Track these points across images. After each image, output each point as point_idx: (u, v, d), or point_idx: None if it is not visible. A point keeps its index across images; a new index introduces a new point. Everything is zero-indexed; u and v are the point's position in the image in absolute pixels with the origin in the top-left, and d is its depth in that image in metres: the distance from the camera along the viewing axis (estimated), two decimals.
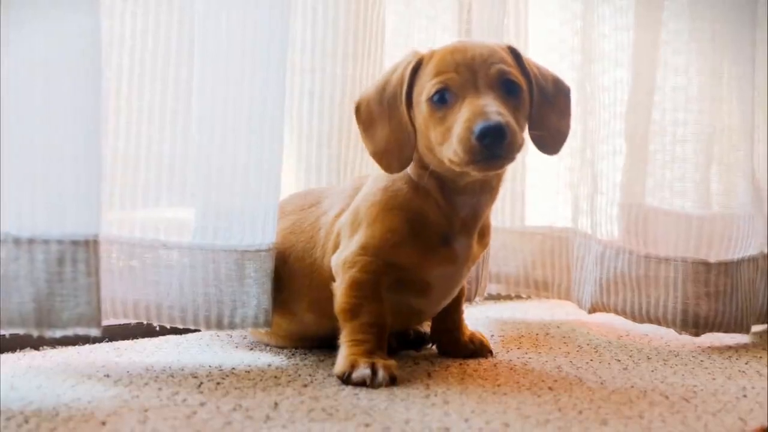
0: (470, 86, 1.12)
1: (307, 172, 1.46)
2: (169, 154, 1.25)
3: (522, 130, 1.14)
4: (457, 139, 1.08)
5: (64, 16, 1.05)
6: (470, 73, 1.12)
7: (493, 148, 1.06)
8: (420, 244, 1.18)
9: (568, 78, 1.64)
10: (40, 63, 1.04)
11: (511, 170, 1.70)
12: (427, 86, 1.14)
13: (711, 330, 1.48)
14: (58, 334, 1.05)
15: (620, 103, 1.56)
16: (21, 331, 1.05)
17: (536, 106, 1.18)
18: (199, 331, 1.38)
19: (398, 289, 1.20)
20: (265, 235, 1.24)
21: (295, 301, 1.26)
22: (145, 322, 1.25)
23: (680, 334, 1.50)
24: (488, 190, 1.20)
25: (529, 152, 1.73)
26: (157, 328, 1.31)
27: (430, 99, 1.13)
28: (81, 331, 1.06)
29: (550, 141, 1.21)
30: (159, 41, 1.25)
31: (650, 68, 1.55)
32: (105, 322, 1.33)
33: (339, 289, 1.19)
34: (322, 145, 1.47)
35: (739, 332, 1.51)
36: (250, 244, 1.23)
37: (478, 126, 1.06)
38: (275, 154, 1.24)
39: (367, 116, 1.20)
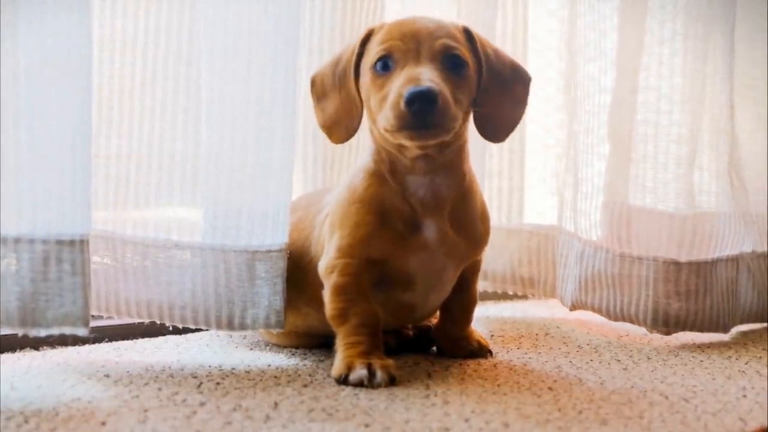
0: (412, 56, 1.13)
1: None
2: (181, 152, 1.25)
3: (462, 107, 1.14)
4: (390, 105, 1.09)
5: (52, 15, 1.04)
6: (415, 43, 1.13)
7: (422, 114, 1.07)
8: (389, 233, 1.18)
9: (564, 77, 1.66)
10: (26, 61, 1.04)
11: (506, 168, 1.72)
12: (371, 54, 1.15)
13: (683, 329, 1.49)
14: (43, 333, 1.05)
15: (605, 104, 1.56)
16: (6, 330, 1.06)
17: (486, 88, 1.18)
18: (200, 330, 1.38)
19: (383, 286, 1.20)
20: (275, 235, 1.23)
21: (298, 295, 1.26)
22: (146, 321, 1.26)
23: (651, 332, 1.51)
24: (442, 169, 1.19)
25: (528, 152, 1.75)
26: (158, 326, 1.31)
27: (373, 66, 1.14)
28: (67, 330, 1.06)
29: (498, 127, 1.22)
30: (171, 40, 1.26)
31: (634, 68, 1.55)
32: (107, 322, 1.35)
33: (326, 295, 1.19)
34: (308, 143, 1.48)
35: (715, 332, 1.51)
36: (260, 244, 1.23)
37: (407, 91, 1.07)
38: (287, 153, 1.24)
39: (320, 89, 1.23)
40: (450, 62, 1.14)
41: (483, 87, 1.19)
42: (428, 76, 1.09)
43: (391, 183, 1.19)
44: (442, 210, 1.19)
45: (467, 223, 1.23)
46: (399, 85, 1.10)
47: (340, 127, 1.21)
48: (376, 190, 1.19)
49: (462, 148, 1.21)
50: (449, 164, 1.19)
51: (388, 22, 1.18)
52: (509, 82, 1.22)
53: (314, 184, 1.50)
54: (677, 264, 1.48)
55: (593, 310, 1.55)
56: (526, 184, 1.75)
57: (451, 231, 1.20)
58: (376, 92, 1.14)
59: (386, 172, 1.19)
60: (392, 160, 1.19)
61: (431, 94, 1.07)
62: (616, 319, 1.53)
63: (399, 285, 1.21)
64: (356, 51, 1.19)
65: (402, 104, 1.07)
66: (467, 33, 1.19)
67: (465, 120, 1.19)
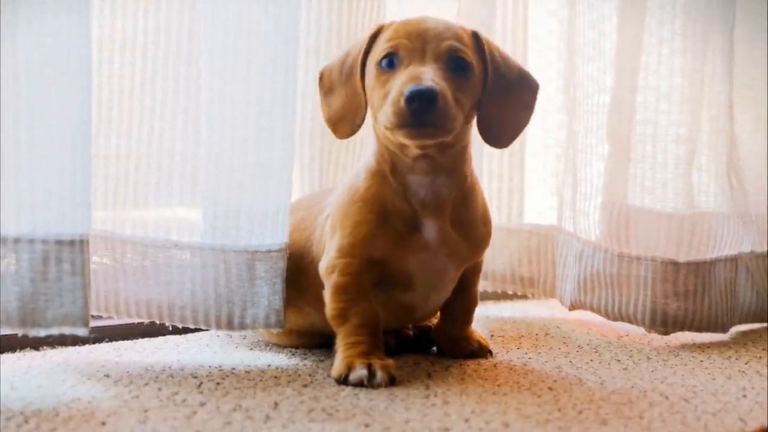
0: (417, 55, 1.13)
1: None
2: (181, 152, 1.25)
3: (464, 109, 1.14)
4: (390, 101, 1.10)
5: (52, 15, 1.04)
6: (421, 42, 1.13)
7: (421, 113, 1.07)
8: (389, 233, 1.18)
9: (563, 77, 1.66)
10: (26, 61, 1.04)
11: (506, 168, 1.72)
12: (377, 50, 1.16)
13: (681, 329, 1.49)
14: (43, 333, 1.05)
15: (604, 103, 1.56)
16: (6, 330, 1.06)
17: (491, 93, 1.19)
18: (200, 330, 1.38)
19: (383, 286, 1.20)
20: (275, 235, 1.23)
21: (300, 295, 1.27)
22: (146, 321, 1.26)
23: (649, 332, 1.51)
24: (443, 170, 1.18)
25: (528, 153, 1.75)
26: (158, 326, 1.31)
27: (379, 63, 1.15)
28: (67, 330, 1.06)
29: (501, 132, 1.22)
30: (171, 40, 1.26)
31: (633, 68, 1.55)
32: (107, 322, 1.35)
33: (326, 296, 1.19)
34: (304, 143, 1.48)
35: (714, 332, 1.51)
36: (260, 244, 1.23)
37: (408, 89, 1.07)
38: (287, 153, 1.24)
39: (328, 84, 1.23)
40: (454, 64, 1.14)
41: (488, 91, 1.18)
42: (430, 76, 1.09)
43: (392, 182, 1.19)
44: (443, 211, 1.19)
45: (468, 225, 1.22)
46: (401, 83, 1.10)
47: (345, 122, 1.21)
48: (378, 190, 1.19)
49: (464, 150, 1.21)
50: (450, 166, 1.19)
51: (397, 21, 1.18)
52: (515, 89, 1.22)
53: (311, 185, 1.50)
54: (675, 264, 1.49)
55: (592, 309, 1.55)
56: (526, 185, 1.75)
57: (452, 232, 1.20)
58: (379, 89, 1.14)
59: (388, 171, 1.19)
60: (394, 159, 1.19)
61: (431, 94, 1.07)
62: (614, 319, 1.53)
63: (399, 285, 1.21)
64: (364, 47, 1.19)
65: (402, 102, 1.08)
66: (475, 36, 1.19)
67: (467, 123, 1.19)
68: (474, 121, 1.21)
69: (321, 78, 1.24)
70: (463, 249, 1.22)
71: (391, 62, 1.14)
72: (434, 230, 1.19)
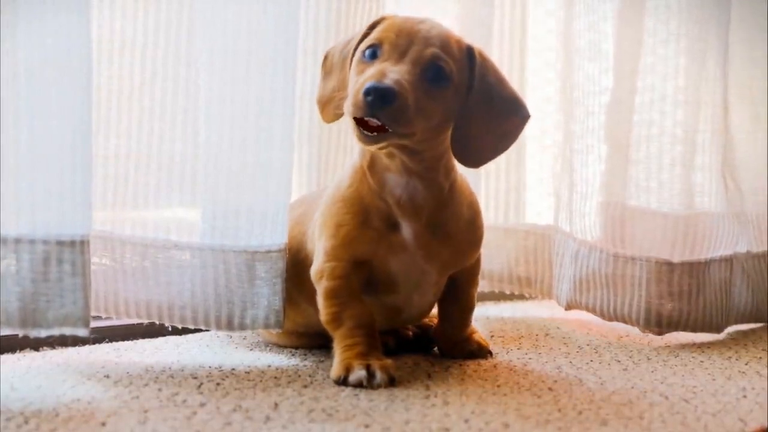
0: (398, 53, 1.12)
1: None
2: (180, 152, 1.25)
3: (429, 118, 1.12)
4: (353, 91, 1.09)
5: (52, 15, 1.04)
6: (407, 42, 1.12)
7: (374, 108, 1.06)
8: (370, 232, 1.18)
9: (561, 78, 1.66)
10: (26, 61, 1.04)
11: (503, 168, 1.72)
12: (366, 40, 1.15)
13: (675, 329, 1.50)
14: (44, 333, 1.05)
15: (602, 104, 1.56)
16: (6, 331, 1.06)
17: (474, 111, 1.16)
18: (200, 331, 1.38)
19: (368, 288, 1.20)
20: (275, 235, 1.24)
21: (298, 293, 1.27)
22: (146, 322, 1.26)
23: (643, 332, 1.51)
24: (416, 175, 1.17)
25: (527, 153, 1.75)
26: (158, 327, 1.31)
27: (363, 52, 1.14)
28: (68, 331, 1.06)
29: (478, 152, 1.19)
30: (170, 40, 1.26)
31: (632, 68, 1.55)
32: (107, 323, 1.35)
33: (319, 301, 1.19)
34: (302, 143, 1.48)
35: (708, 332, 1.52)
36: (260, 244, 1.23)
37: (368, 83, 1.07)
38: (286, 153, 1.24)
39: (329, 65, 1.23)
40: (432, 72, 1.12)
41: (470, 108, 1.16)
42: (396, 76, 1.08)
43: (370, 179, 1.19)
44: (419, 214, 1.18)
45: (450, 233, 1.21)
46: (367, 75, 1.09)
47: (332, 105, 1.21)
48: (358, 188, 1.19)
49: (438, 160, 1.19)
50: (423, 173, 1.18)
51: (400, 16, 1.18)
52: (503, 112, 1.19)
53: (309, 186, 1.50)
54: (670, 264, 1.49)
55: (587, 309, 1.55)
56: (525, 185, 1.74)
57: (431, 237, 1.19)
58: (355, 76, 1.14)
59: (367, 167, 1.19)
60: (373, 155, 1.18)
61: (389, 93, 1.06)
62: (609, 319, 1.53)
63: (383, 287, 1.21)
64: (361, 35, 1.18)
65: (360, 93, 1.07)
66: (469, 51, 1.17)
67: (439, 134, 1.16)
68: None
69: (325, 59, 1.24)
70: (444, 254, 1.21)
71: (373, 53, 1.13)
72: (410, 231, 1.18)
